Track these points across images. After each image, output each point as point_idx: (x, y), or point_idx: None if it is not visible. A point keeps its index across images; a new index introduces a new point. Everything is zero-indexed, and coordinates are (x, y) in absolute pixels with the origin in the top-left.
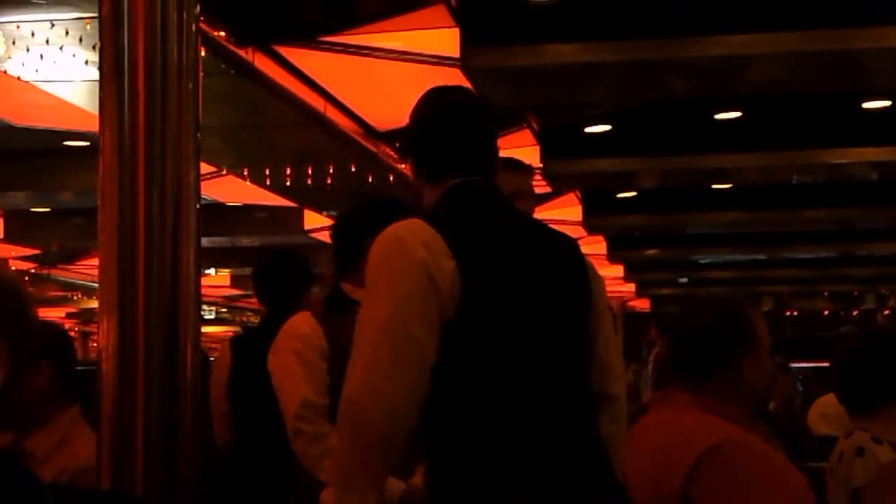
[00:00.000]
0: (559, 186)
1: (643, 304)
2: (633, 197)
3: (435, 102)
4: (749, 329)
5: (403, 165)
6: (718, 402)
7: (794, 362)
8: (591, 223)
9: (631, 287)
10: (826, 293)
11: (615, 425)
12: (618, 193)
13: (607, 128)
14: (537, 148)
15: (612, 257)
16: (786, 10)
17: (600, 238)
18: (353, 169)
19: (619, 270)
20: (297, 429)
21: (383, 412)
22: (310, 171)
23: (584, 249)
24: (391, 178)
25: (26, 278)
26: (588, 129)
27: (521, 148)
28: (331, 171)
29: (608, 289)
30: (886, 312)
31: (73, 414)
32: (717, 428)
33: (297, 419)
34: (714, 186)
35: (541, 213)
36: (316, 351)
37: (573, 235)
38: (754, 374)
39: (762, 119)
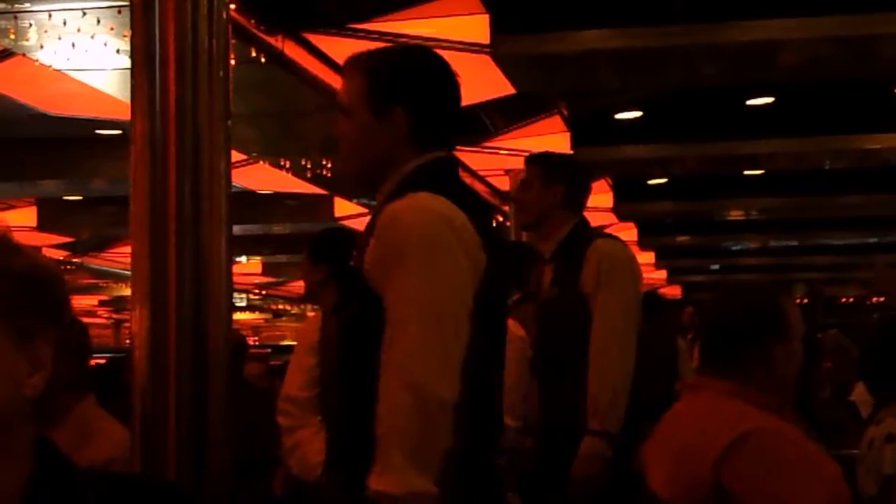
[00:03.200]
0: (590, 173)
1: (674, 291)
2: (664, 183)
3: (438, 66)
4: (781, 317)
5: None
6: (751, 389)
7: None
8: (621, 210)
9: (662, 274)
10: (859, 280)
11: None
12: (649, 180)
13: (638, 114)
14: (568, 135)
15: (644, 244)
16: None
17: (631, 225)
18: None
19: (650, 257)
20: (279, 422)
21: (453, 394)
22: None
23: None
24: None
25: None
26: (618, 116)
27: (552, 135)
28: None
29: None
30: None
31: (90, 402)
32: (749, 415)
33: (278, 413)
34: (746, 173)
35: None
36: (307, 346)
37: (604, 222)
38: (786, 362)
39: (794, 105)
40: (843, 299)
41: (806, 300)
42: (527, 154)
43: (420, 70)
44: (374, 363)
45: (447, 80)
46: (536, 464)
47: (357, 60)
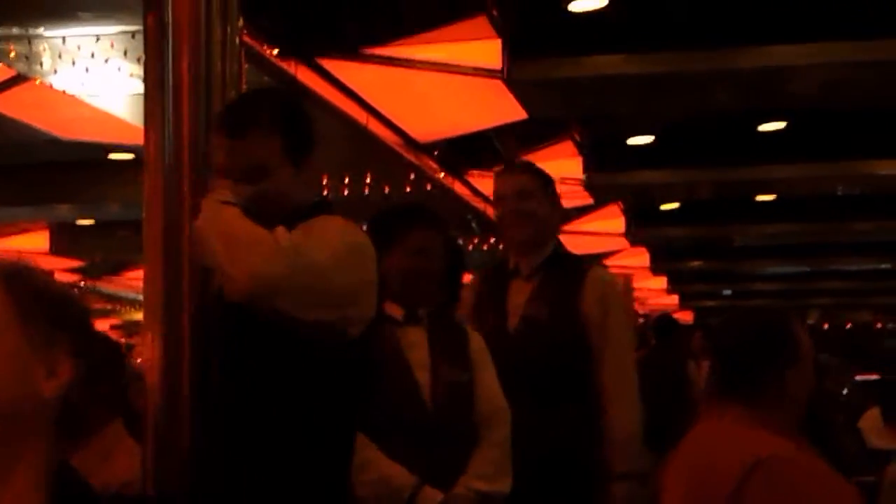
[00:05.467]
0: (602, 198)
1: (686, 317)
2: (676, 209)
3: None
4: (791, 341)
5: (443, 175)
6: (764, 415)
7: None
8: (634, 235)
9: (674, 299)
10: (873, 306)
11: None
12: (661, 205)
13: (651, 139)
14: (580, 160)
15: (656, 269)
16: (831, 20)
17: (643, 250)
18: (395, 180)
19: (662, 282)
20: None
21: None
22: (351, 183)
23: (627, 261)
24: (431, 189)
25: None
26: (631, 141)
27: (564, 160)
28: (372, 182)
29: (652, 300)
30: None
31: (117, 427)
32: (764, 441)
33: None
34: (758, 198)
35: (583, 225)
36: None
37: (616, 247)
38: (799, 385)
39: (807, 130)
40: (848, 325)
41: (827, 325)
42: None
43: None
44: None
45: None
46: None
47: None
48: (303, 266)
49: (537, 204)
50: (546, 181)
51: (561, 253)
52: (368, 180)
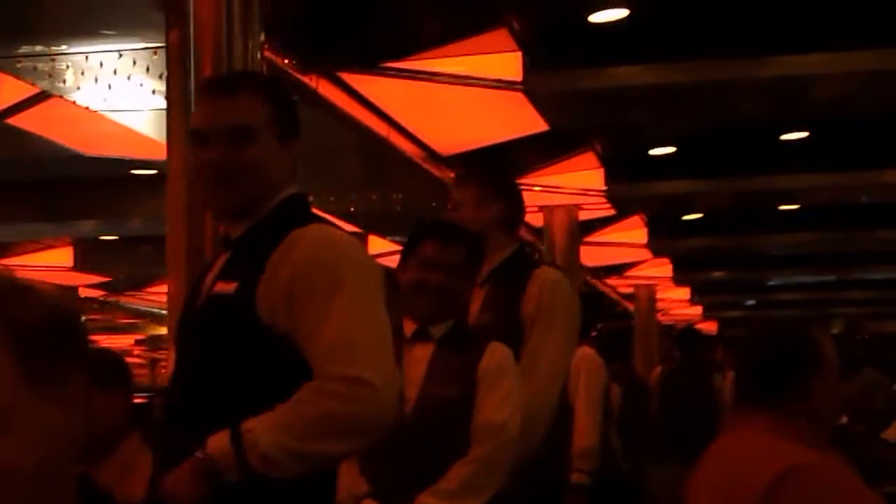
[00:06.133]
0: (624, 209)
1: (710, 327)
2: (698, 219)
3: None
4: (815, 350)
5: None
6: (791, 425)
7: None
8: (656, 246)
9: (698, 310)
10: None
11: None
12: (683, 216)
13: (672, 150)
14: (602, 171)
15: (679, 280)
16: (852, 29)
17: (666, 261)
18: (417, 194)
19: (685, 293)
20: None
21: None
22: (373, 197)
23: (650, 272)
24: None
25: (95, 305)
26: (653, 152)
27: (586, 171)
28: (394, 196)
29: (675, 311)
30: None
31: (134, 441)
32: (790, 451)
33: None
34: (781, 208)
35: (605, 237)
36: None
37: (639, 259)
38: (824, 396)
39: (829, 139)
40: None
41: (860, 336)
42: (556, 189)
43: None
44: None
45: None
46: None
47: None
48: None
49: (471, 211)
50: (485, 188)
51: (517, 259)
52: (391, 194)
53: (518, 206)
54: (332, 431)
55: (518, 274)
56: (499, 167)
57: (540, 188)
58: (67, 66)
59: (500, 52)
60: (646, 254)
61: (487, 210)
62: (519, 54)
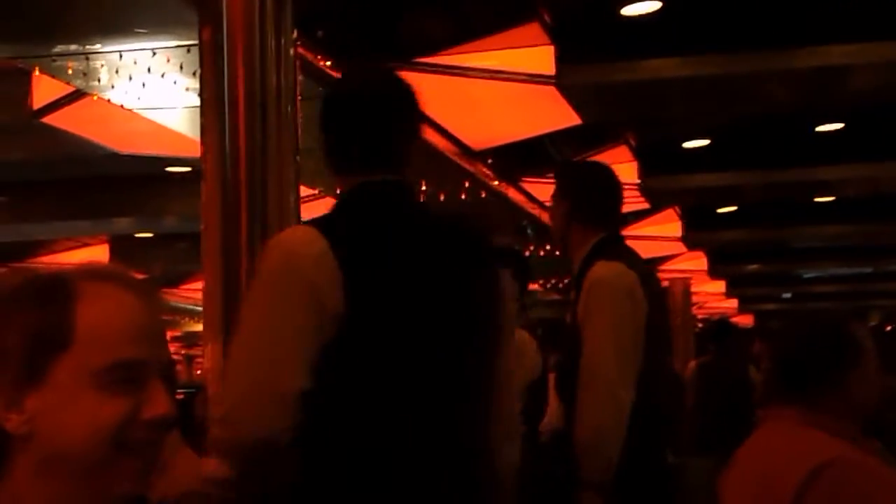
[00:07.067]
0: (658, 202)
1: (747, 320)
2: (733, 212)
3: (346, 86)
4: (853, 342)
5: (497, 182)
6: (827, 418)
7: None
8: (691, 239)
9: (734, 303)
10: None
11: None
12: (718, 209)
13: (706, 142)
14: (635, 164)
15: (714, 273)
16: (887, 19)
17: (701, 254)
18: (449, 188)
19: (721, 286)
20: None
21: (243, 437)
22: None
23: (685, 265)
24: (486, 196)
25: None
26: (686, 144)
27: (619, 164)
28: (423, 188)
29: (711, 304)
30: None
31: (174, 437)
32: (827, 445)
33: None
34: (817, 199)
35: (640, 230)
36: None
37: (674, 252)
38: (861, 387)
39: (865, 130)
40: None
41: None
42: None
43: (327, 98)
44: None
45: (350, 100)
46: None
47: None
48: None
49: (551, 208)
50: (559, 182)
51: (594, 254)
52: (423, 188)
53: (587, 201)
54: None
55: (585, 272)
56: (572, 163)
57: None
58: (102, 65)
59: (532, 45)
60: (680, 247)
61: (558, 208)
62: (551, 48)
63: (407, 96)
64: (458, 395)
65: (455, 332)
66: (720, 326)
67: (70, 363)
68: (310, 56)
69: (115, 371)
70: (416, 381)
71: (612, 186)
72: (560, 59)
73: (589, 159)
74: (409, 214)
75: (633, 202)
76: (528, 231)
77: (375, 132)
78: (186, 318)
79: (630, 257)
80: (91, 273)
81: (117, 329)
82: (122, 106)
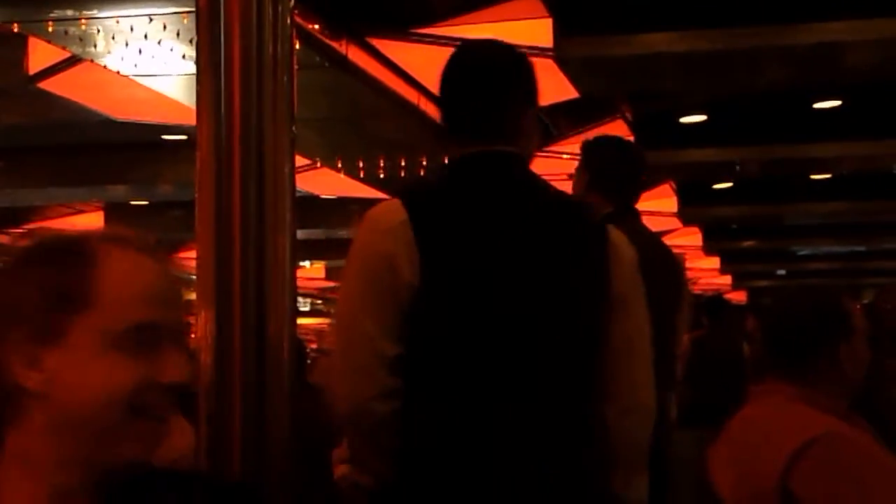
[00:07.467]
0: (654, 177)
1: (740, 297)
2: (729, 188)
3: (459, 58)
4: (843, 317)
5: None
6: (818, 393)
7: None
8: (686, 214)
9: (727, 279)
10: None
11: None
12: (714, 184)
13: (703, 118)
14: (631, 138)
15: (709, 249)
16: None
17: (696, 229)
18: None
19: (715, 262)
20: None
21: (341, 409)
22: (403, 163)
23: (680, 241)
24: None
25: None
26: (683, 119)
27: None
28: (424, 162)
29: (705, 280)
30: None
31: None
32: (816, 420)
33: None
34: (813, 176)
35: (636, 205)
36: None
37: (669, 227)
38: (851, 362)
39: (862, 107)
40: None
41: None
42: None
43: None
44: None
45: (460, 72)
46: None
47: None
48: None
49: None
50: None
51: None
52: (420, 159)
53: (600, 170)
54: None
55: None
56: (596, 138)
57: (569, 156)
58: (98, 31)
59: (530, 18)
60: (675, 223)
61: (579, 179)
62: (549, 20)
63: (521, 66)
64: (544, 375)
65: (540, 307)
66: (714, 302)
67: (88, 324)
68: (307, 25)
69: (133, 334)
70: (489, 359)
71: (626, 161)
72: (558, 32)
73: (585, 133)
74: (503, 187)
75: None
76: None
77: (486, 102)
78: None
79: (634, 232)
80: (111, 237)
81: (137, 292)
82: (118, 72)
